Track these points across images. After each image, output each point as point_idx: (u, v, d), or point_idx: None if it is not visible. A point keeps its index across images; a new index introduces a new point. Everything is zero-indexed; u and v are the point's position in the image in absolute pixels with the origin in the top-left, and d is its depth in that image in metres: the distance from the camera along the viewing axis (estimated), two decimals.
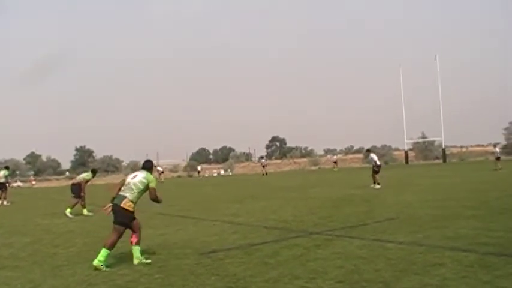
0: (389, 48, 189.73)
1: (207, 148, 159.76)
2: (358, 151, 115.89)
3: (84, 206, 17.21)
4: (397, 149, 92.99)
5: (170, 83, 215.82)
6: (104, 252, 7.81)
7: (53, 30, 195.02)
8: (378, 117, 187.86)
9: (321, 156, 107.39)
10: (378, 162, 23.65)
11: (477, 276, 5.97)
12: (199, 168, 73.64)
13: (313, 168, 79.34)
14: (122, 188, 8.25)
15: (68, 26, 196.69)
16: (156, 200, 8.53)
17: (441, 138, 67.69)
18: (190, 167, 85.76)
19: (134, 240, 8.11)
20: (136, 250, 8.11)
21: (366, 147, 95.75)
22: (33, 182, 71.50)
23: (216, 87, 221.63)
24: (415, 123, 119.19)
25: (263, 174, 53.94)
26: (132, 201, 8.05)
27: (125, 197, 8.04)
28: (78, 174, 23.49)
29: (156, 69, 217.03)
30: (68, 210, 16.64)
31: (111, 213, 8.17)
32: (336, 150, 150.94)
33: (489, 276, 5.94)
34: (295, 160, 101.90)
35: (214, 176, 72.65)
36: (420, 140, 76.52)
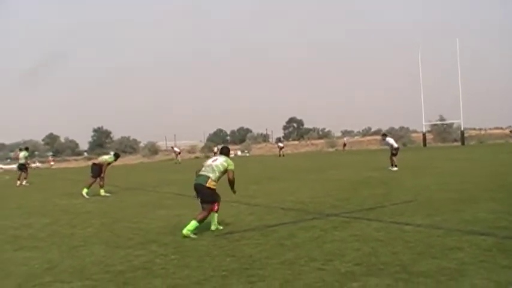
0: (408, 29, 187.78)
1: (224, 129, 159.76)
2: (376, 133, 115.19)
3: (102, 186, 17.31)
4: (415, 131, 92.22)
5: (188, 65, 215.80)
6: (193, 223, 8.63)
7: (70, 18, 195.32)
8: (396, 99, 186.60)
9: (338, 137, 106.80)
10: (396, 145, 23.46)
11: (496, 260, 5.90)
12: (215, 149, 73.39)
13: (331, 149, 79.10)
14: (203, 169, 9.36)
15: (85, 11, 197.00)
16: (233, 182, 9.60)
17: (460, 120, 66.94)
18: (208, 148, 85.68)
19: (215, 208, 9.13)
20: (214, 217, 9.22)
21: (384, 129, 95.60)
22: (52, 163, 72.09)
23: (233, 68, 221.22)
24: (434, 105, 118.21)
25: (279, 156, 53.74)
26: (214, 181, 9.13)
27: (208, 177, 9.11)
28: (100, 155, 23.79)
29: (174, 51, 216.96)
30: (85, 190, 16.76)
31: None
32: (353, 132, 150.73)
33: (507, 260, 5.87)
34: (313, 141, 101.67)
35: (231, 157, 72.75)
36: (438, 123, 75.75)
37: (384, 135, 27.18)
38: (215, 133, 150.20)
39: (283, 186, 17.08)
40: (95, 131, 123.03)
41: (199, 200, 9.07)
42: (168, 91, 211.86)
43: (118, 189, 20.21)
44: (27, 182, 26.37)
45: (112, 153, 18.58)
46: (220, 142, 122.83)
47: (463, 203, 10.77)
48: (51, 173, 48.09)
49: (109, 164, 17.84)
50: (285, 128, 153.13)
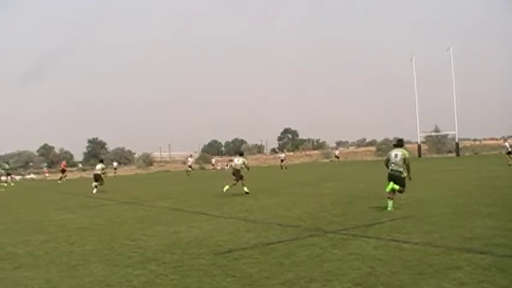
0: (401, 39, 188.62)
1: (219, 140, 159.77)
2: (371, 143, 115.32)
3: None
4: (409, 142, 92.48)
5: (181, 75, 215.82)
6: (390, 203, 13.04)
7: (67, 20, 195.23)
8: (391, 110, 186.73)
9: (332, 148, 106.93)
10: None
11: (495, 280, 5.94)
12: (213, 160, 73.02)
13: (325, 160, 79.21)
14: (392, 164, 13.34)
15: (83, 14, 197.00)
16: (409, 167, 13.30)
17: (454, 131, 67.22)
18: (202, 159, 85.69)
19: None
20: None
21: (379, 140, 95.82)
22: (47, 174, 71.95)
23: (227, 79, 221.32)
24: (428, 116, 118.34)
25: (282, 168, 52.16)
26: (404, 170, 13.23)
27: (401, 172, 13.17)
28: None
29: (167, 61, 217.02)
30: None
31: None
32: (347, 142, 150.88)
33: (507, 280, 5.92)
34: (307, 152, 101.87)
35: (226, 169, 72.72)
36: (433, 134, 75.98)
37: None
38: (210, 144, 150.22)
39: (279, 200, 17.09)
40: (89, 141, 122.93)
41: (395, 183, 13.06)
42: (162, 102, 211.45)
43: (114, 203, 20.20)
44: (97, 191, 27.09)
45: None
46: (215, 153, 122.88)
47: (459, 218, 10.83)
48: (46, 185, 47.93)
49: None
50: (279, 138, 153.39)
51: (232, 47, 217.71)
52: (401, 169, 13.15)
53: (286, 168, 52.12)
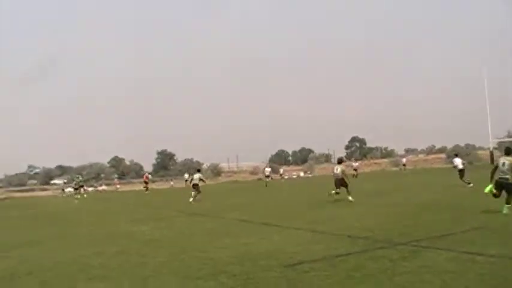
0: (472, 44, 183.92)
1: (286, 150, 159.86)
2: (441, 150, 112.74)
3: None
4: (481, 148, 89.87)
5: (246, 84, 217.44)
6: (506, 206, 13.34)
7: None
8: (462, 116, 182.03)
9: (401, 156, 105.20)
10: (460, 166, 26.01)
11: None
12: (281, 170, 73.22)
13: (394, 168, 77.95)
14: (500, 172, 13.83)
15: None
16: None
17: None
18: (271, 169, 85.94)
19: None
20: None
21: (449, 147, 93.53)
22: (118, 186, 73.77)
23: (293, 89, 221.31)
24: (501, 120, 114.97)
25: (353, 176, 48.53)
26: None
27: (507, 179, 13.56)
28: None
29: (233, 70, 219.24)
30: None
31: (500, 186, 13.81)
32: (417, 150, 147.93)
33: None
34: (376, 161, 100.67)
35: (294, 178, 72.64)
36: (507, 139, 73.44)
37: (455, 155, 29.94)
38: (277, 154, 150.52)
39: (347, 211, 16.95)
40: (158, 153, 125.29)
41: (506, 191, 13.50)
42: (229, 112, 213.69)
43: (183, 214, 20.55)
44: (195, 201, 27.79)
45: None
46: (283, 163, 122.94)
47: None
48: (118, 196, 49.27)
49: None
50: (347, 147, 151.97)
51: (295, 55, 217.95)
52: (508, 176, 13.53)
53: (357, 177, 50.44)
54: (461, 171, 25.56)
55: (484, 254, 8.26)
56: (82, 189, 51.85)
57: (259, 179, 71.34)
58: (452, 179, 24.24)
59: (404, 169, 67.07)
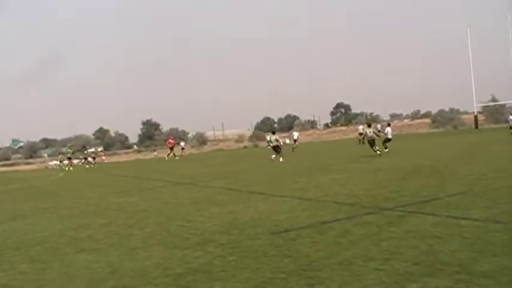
0: (456, 8, 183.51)
1: (271, 117, 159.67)
2: (426, 115, 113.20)
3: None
4: (465, 113, 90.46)
5: (231, 53, 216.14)
6: None
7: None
8: (445, 80, 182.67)
9: (386, 121, 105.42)
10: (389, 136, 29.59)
11: None
12: (267, 137, 72.16)
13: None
14: None
15: None
16: None
17: None
18: (256, 136, 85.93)
19: None
20: None
21: (433, 111, 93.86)
22: (103, 157, 73.51)
23: (277, 55, 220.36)
24: (485, 85, 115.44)
25: (360, 143, 45.72)
26: None
27: None
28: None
29: (219, 41, 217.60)
30: None
31: None
32: (402, 115, 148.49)
33: None
34: (361, 126, 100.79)
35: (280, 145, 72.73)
36: (491, 104, 73.89)
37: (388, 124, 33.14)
38: (262, 121, 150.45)
39: (334, 177, 17.00)
40: (143, 123, 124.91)
41: None
42: (213, 81, 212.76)
43: (169, 183, 20.56)
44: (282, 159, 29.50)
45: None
46: (268, 130, 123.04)
47: None
48: (103, 167, 49.18)
49: None
50: (332, 113, 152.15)
51: (277, 21, 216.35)
52: None
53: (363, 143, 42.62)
54: (388, 140, 29.21)
55: (468, 218, 8.33)
56: (70, 161, 52.95)
57: (245, 147, 71.39)
58: (436, 143, 24.34)
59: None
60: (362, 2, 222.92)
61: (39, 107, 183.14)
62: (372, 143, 26.63)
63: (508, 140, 31.20)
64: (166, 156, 49.84)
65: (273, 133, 32.13)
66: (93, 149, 67.11)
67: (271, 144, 30.51)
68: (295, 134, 50.08)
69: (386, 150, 27.82)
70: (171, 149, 49.84)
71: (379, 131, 30.80)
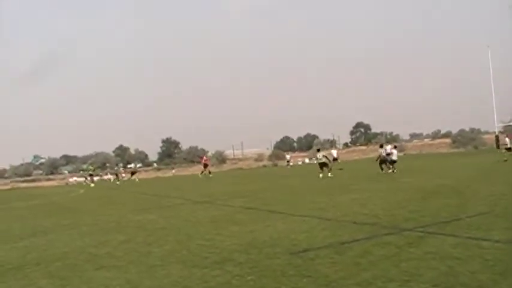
0: (476, 29, 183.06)
1: (290, 136, 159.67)
2: (446, 135, 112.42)
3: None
4: (486, 132, 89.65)
5: (252, 73, 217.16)
6: None
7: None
8: (467, 100, 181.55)
9: (406, 141, 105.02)
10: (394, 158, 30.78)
11: None
12: (288, 156, 71.93)
13: (400, 154, 77.84)
14: None
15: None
16: None
17: None
18: (275, 155, 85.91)
19: None
20: None
21: (454, 131, 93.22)
22: (123, 175, 73.77)
23: (298, 75, 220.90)
24: (506, 105, 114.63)
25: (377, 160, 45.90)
26: None
27: None
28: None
29: (240, 60, 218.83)
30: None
31: None
32: (422, 134, 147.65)
33: None
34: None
35: (299, 165, 72.62)
36: None
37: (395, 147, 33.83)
38: (282, 140, 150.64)
39: (354, 197, 16.94)
40: (163, 141, 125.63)
41: None
42: (234, 100, 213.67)
43: (189, 202, 20.62)
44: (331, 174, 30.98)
45: None
46: (288, 149, 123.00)
47: None
48: (123, 185, 49.42)
49: None
50: (352, 133, 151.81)
51: (297, 41, 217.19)
52: None
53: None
54: (393, 162, 30.59)
55: (489, 239, 8.26)
56: (91, 178, 53.73)
57: (264, 166, 71.39)
58: (457, 163, 24.16)
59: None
60: (379, 23, 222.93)
61: (60, 123, 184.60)
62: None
63: None
64: (199, 174, 50.61)
65: (318, 150, 33.80)
66: (132, 165, 68.21)
67: (318, 162, 31.69)
68: (334, 152, 48.68)
69: (390, 171, 29.62)
70: (205, 166, 49.94)
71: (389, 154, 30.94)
